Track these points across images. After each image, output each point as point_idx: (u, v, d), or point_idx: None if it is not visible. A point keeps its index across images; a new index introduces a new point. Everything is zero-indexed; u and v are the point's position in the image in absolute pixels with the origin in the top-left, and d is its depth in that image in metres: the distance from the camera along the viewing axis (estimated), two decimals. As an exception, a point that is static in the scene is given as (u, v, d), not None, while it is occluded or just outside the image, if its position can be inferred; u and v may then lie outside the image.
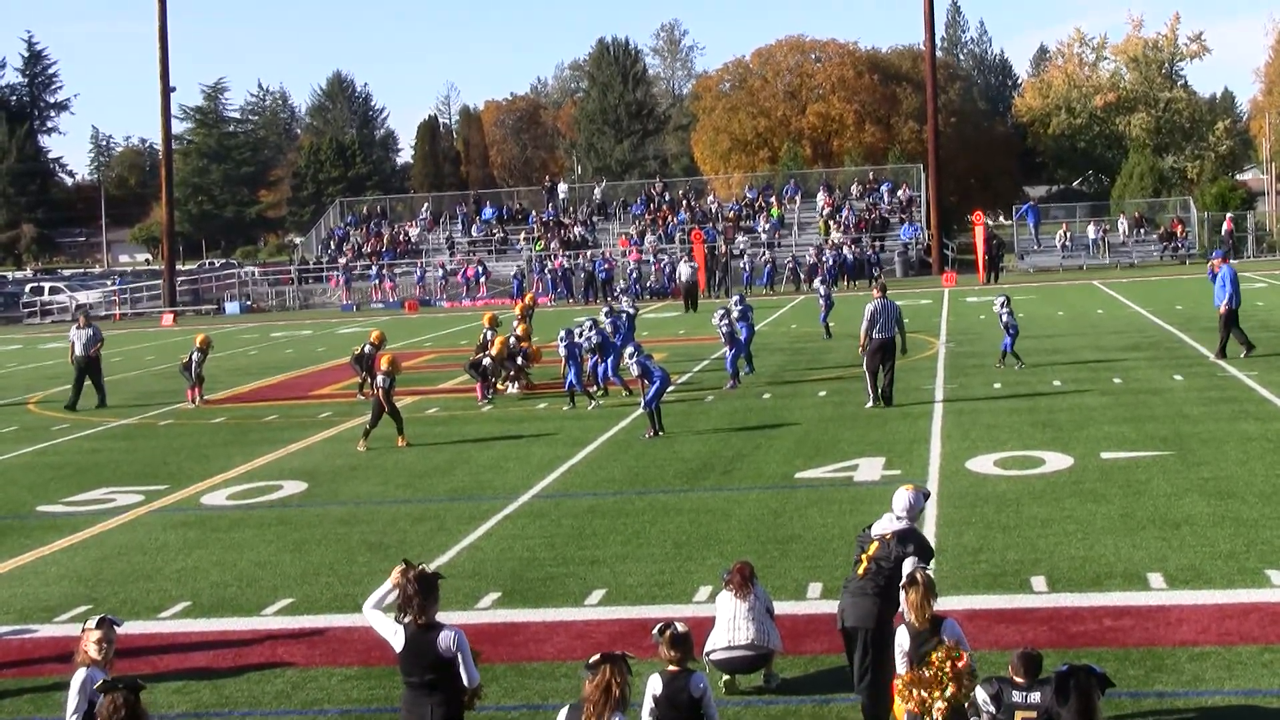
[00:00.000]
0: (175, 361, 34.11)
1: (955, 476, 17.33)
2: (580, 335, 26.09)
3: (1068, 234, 66.90)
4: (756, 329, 30.36)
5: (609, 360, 26.15)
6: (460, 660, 8.00)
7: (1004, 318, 27.39)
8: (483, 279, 66.28)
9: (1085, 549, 13.58)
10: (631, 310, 32.16)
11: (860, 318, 23.51)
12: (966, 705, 8.44)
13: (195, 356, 28.89)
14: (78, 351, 29.80)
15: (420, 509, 17.41)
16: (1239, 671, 10.15)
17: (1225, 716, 9.42)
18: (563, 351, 25.72)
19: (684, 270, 55.67)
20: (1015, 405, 22.75)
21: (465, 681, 8.03)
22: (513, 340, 27.92)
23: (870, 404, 23.15)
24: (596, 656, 7.62)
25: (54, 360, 42.90)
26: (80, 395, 29.63)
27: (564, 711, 7.78)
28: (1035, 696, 8.13)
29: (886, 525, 9.53)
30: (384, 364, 22.24)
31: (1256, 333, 30.76)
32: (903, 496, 9.65)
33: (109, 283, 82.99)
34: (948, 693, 8.21)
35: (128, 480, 20.57)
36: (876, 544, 9.47)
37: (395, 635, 8.10)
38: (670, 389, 23.60)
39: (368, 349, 27.19)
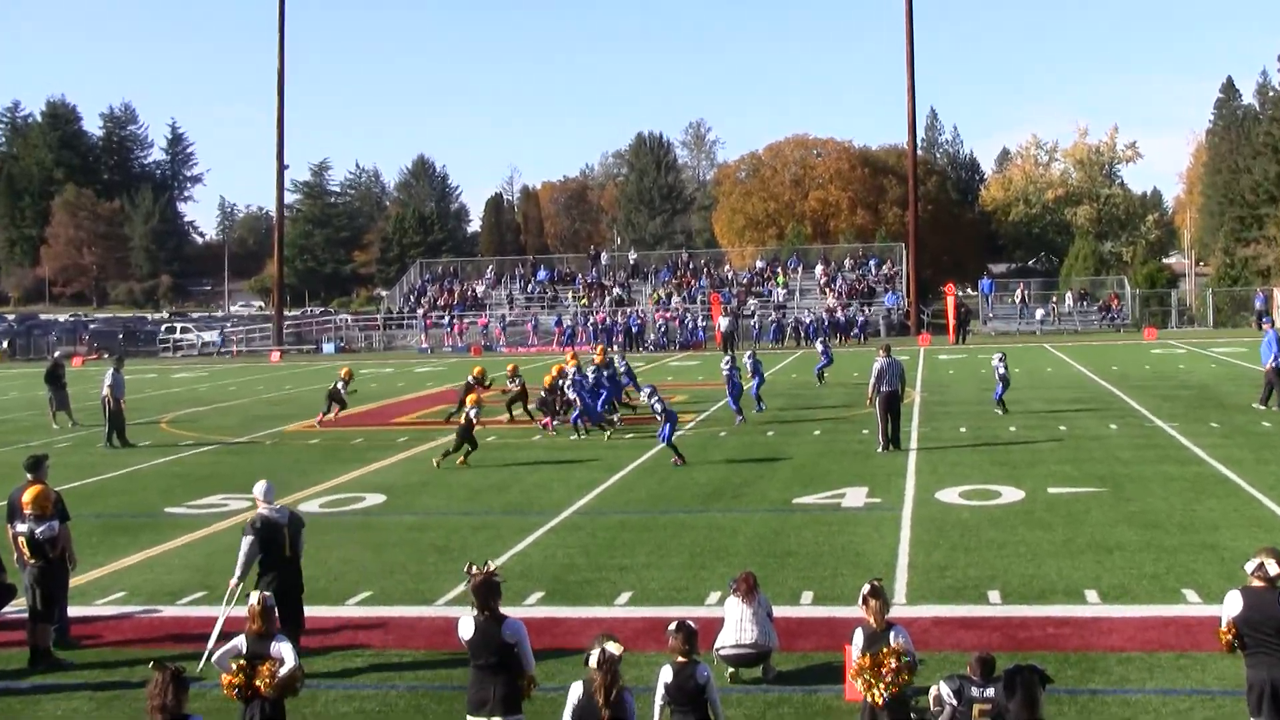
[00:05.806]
0: (280, 390, 34.26)
1: (926, 505, 17.24)
2: (574, 377, 25.84)
3: (1024, 299, 66.76)
4: (764, 377, 30.30)
5: (599, 400, 26.08)
6: (520, 648, 8.05)
7: (1000, 370, 27.09)
8: (535, 329, 66.51)
9: (1033, 568, 13.48)
10: (622, 362, 31.47)
11: (868, 372, 23.08)
12: (931, 698, 8.42)
13: (340, 385, 29.54)
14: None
15: (479, 520, 17.41)
16: (1158, 674, 10.07)
17: (1146, 711, 9.34)
18: (571, 394, 25.70)
19: (723, 322, 57.87)
20: (977, 446, 22.64)
21: (524, 665, 8.05)
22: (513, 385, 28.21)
23: (881, 449, 22.11)
24: (596, 652, 7.62)
25: (182, 388, 43.19)
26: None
27: (576, 686, 7.77)
28: (990, 692, 8.10)
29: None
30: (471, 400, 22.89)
31: (1176, 392, 30.64)
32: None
33: (229, 325, 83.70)
34: (885, 681, 8.12)
35: (238, 488, 20.60)
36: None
37: (465, 625, 8.11)
38: (680, 425, 23.42)
39: (471, 380, 27.97)
